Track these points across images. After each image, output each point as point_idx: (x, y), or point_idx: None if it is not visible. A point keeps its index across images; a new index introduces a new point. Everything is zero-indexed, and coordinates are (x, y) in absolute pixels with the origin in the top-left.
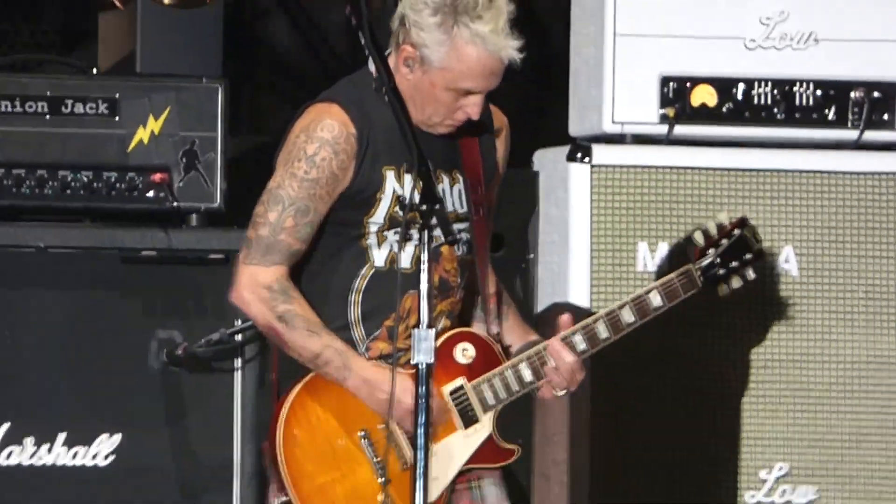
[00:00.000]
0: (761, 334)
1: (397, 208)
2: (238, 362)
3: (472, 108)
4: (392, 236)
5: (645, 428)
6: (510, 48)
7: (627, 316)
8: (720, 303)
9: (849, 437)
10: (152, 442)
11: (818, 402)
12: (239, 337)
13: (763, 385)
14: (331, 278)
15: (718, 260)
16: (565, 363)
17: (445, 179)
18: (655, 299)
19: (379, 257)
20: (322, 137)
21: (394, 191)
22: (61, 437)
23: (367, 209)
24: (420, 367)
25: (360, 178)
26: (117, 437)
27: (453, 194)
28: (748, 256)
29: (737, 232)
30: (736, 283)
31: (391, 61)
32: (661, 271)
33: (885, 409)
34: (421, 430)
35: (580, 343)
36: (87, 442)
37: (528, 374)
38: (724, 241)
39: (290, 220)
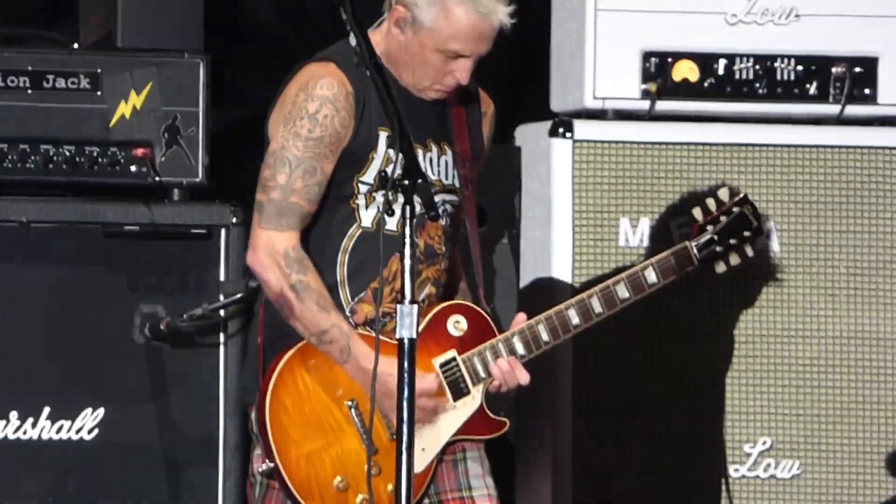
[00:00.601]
0: (743, 309)
1: (388, 168)
2: (221, 337)
3: (461, 72)
4: (380, 198)
5: (628, 403)
6: (500, 12)
7: (622, 291)
8: (702, 278)
9: (832, 411)
10: (136, 416)
11: (801, 377)
12: (222, 312)
13: (746, 360)
14: (321, 238)
15: (717, 237)
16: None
17: (434, 148)
18: (651, 275)
19: (367, 218)
20: (322, 95)
21: (385, 150)
22: (46, 411)
23: (359, 168)
24: (403, 341)
25: (358, 137)
26: (101, 412)
27: (440, 164)
28: (747, 234)
29: (736, 209)
30: (734, 260)
31: (384, 26)
32: (649, 247)
33: (867, 384)
34: (405, 405)
35: (574, 317)
36: (72, 416)
37: (520, 348)
38: (724, 218)
39: (299, 182)
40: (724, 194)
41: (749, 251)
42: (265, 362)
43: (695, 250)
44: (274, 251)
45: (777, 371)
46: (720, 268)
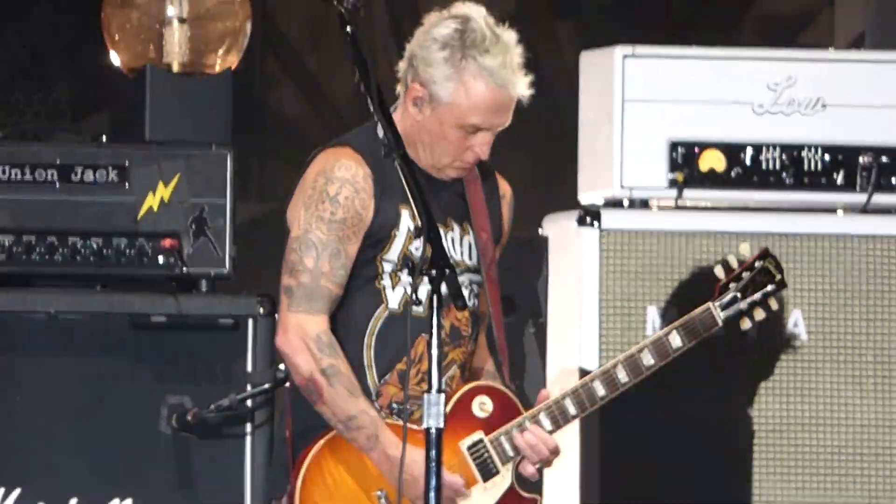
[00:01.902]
0: (771, 397)
1: (411, 247)
2: (248, 427)
3: (481, 147)
4: (405, 278)
5: (655, 491)
6: (519, 83)
7: (647, 359)
8: (729, 366)
9: (860, 500)
10: None
11: (828, 466)
12: (249, 402)
13: (774, 448)
14: (347, 320)
15: (740, 294)
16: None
17: (456, 228)
18: (675, 340)
19: (393, 299)
20: (342, 177)
21: (408, 228)
22: (73, 502)
23: (381, 247)
24: (430, 431)
25: (379, 216)
26: (128, 503)
27: (462, 245)
28: (770, 288)
29: (758, 264)
30: (759, 315)
31: (399, 109)
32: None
33: (895, 473)
34: (432, 495)
35: (600, 389)
36: None
37: (547, 424)
38: (746, 274)
39: (326, 265)
40: (745, 250)
41: (774, 305)
42: (294, 454)
43: (718, 310)
44: (305, 334)
45: (805, 459)
46: (745, 325)
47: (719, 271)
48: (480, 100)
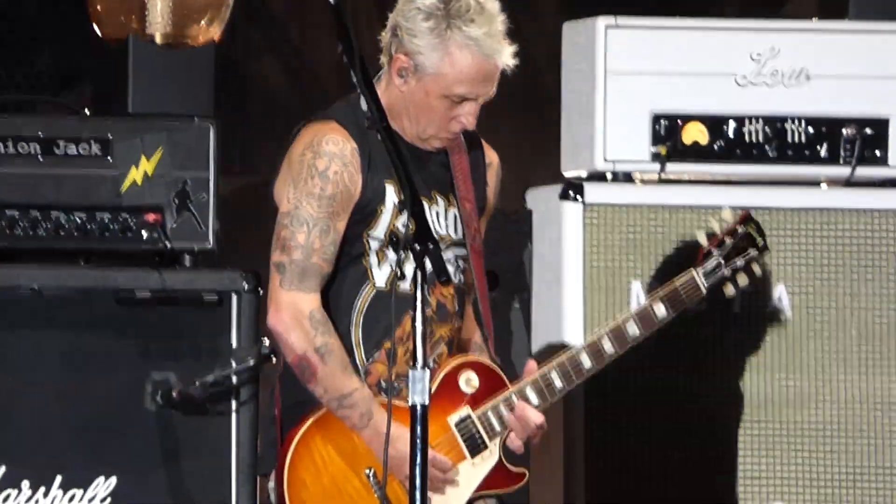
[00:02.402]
0: (755, 373)
1: (397, 223)
2: (233, 404)
3: (466, 117)
4: (392, 255)
5: (640, 467)
6: (504, 53)
7: (632, 329)
8: (714, 342)
9: (844, 476)
10: (148, 484)
11: (813, 442)
12: (234, 378)
13: (758, 424)
14: (334, 299)
15: (723, 260)
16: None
17: (440, 202)
18: (660, 309)
19: (380, 277)
20: (329, 151)
21: (394, 204)
22: (57, 480)
23: (368, 222)
24: (415, 408)
25: (366, 192)
26: (113, 480)
27: (448, 218)
28: (753, 253)
29: (741, 229)
30: (742, 281)
31: (384, 80)
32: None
33: (879, 449)
34: (418, 471)
35: (586, 361)
36: (84, 485)
37: (534, 398)
38: (729, 240)
39: (317, 242)
40: (727, 215)
41: (757, 271)
42: (283, 432)
43: (701, 277)
44: (298, 312)
45: (789, 435)
46: (729, 291)
47: (702, 238)
48: (466, 70)
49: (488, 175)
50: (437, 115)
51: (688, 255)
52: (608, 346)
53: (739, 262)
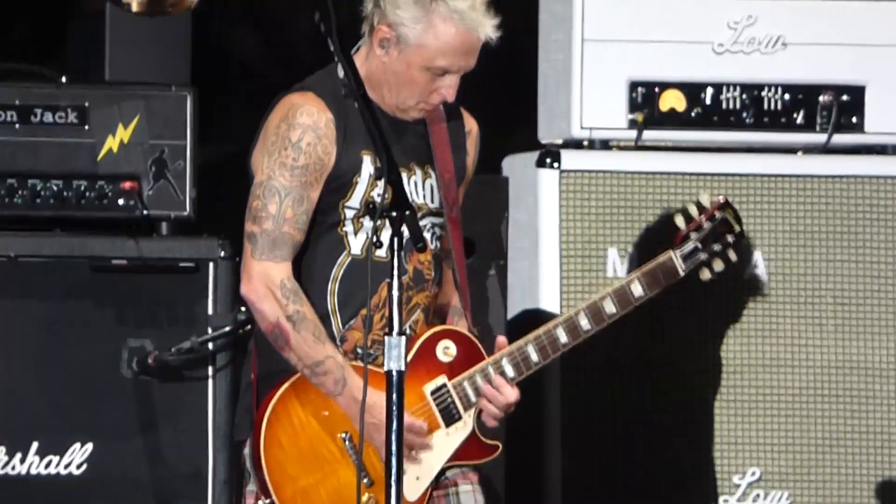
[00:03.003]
0: (731, 339)
1: (373, 193)
2: (210, 370)
3: (447, 89)
4: (368, 223)
5: (616, 434)
6: (486, 25)
7: (609, 307)
8: (690, 308)
9: (820, 441)
10: (125, 451)
11: (789, 407)
12: (210, 345)
13: (734, 390)
14: (310, 267)
15: (700, 244)
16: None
17: (418, 172)
18: (637, 289)
19: (356, 245)
20: (303, 123)
21: (370, 174)
22: (34, 446)
23: (343, 192)
24: (392, 374)
25: (341, 162)
26: (90, 446)
27: (425, 188)
28: (730, 239)
29: (719, 214)
30: (718, 266)
31: (363, 50)
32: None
33: (855, 414)
34: (393, 437)
35: (562, 336)
36: (60, 451)
37: (510, 370)
38: (707, 225)
39: (289, 211)
40: (705, 199)
41: (733, 256)
42: (258, 398)
43: (679, 260)
44: (270, 281)
45: (765, 401)
46: (705, 275)
47: (679, 220)
48: (450, 42)
49: (468, 143)
50: (417, 87)
51: (665, 229)
52: (584, 323)
53: (716, 247)
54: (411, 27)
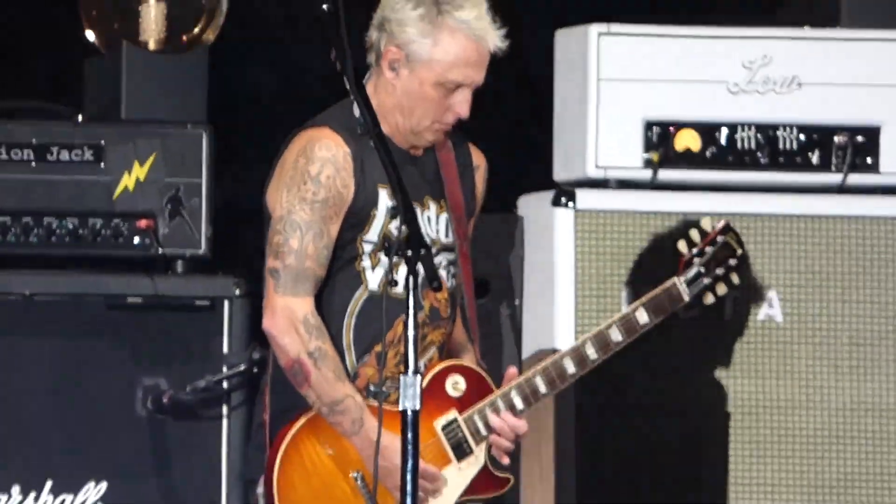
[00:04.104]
0: (746, 379)
1: (391, 227)
2: (224, 409)
3: (461, 105)
4: (385, 258)
5: (630, 475)
6: (494, 34)
7: (615, 335)
8: (704, 349)
9: (835, 483)
10: (139, 489)
11: (804, 448)
12: (225, 384)
13: (749, 431)
14: (328, 302)
15: (703, 269)
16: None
17: (432, 206)
18: (642, 316)
19: (373, 280)
20: (322, 157)
21: (387, 208)
22: (48, 485)
23: (362, 227)
24: (407, 413)
25: (359, 196)
26: (104, 485)
27: (439, 222)
28: (732, 262)
29: (720, 238)
30: (721, 290)
31: (372, 81)
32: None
33: (871, 455)
34: (409, 476)
35: (570, 366)
36: (74, 490)
37: (519, 402)
38: (709, 249)
39: (311, 247)
40: (706, 224)
41: (735, 279)
42: (271, 437)
43: (683, 286)
44: (293, 316)
45: (781, 442)
46: (708, 299)
47: (682, 246)
48: (460, 54)
49: (476, 178)
50: (431, 106)
51: (669, 263)
52: (591, 352)
53: (719, 271)
54: (420, 43)
